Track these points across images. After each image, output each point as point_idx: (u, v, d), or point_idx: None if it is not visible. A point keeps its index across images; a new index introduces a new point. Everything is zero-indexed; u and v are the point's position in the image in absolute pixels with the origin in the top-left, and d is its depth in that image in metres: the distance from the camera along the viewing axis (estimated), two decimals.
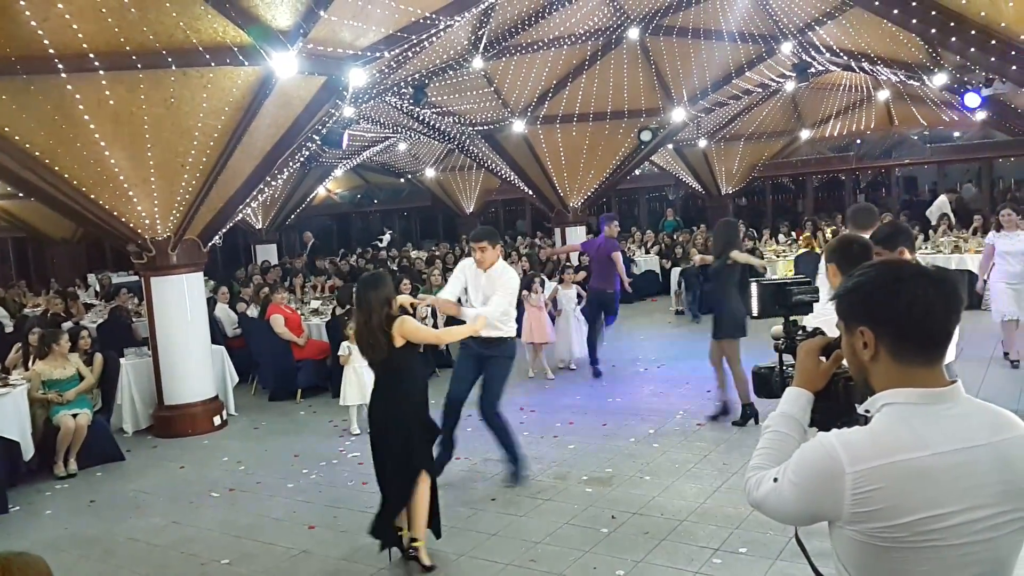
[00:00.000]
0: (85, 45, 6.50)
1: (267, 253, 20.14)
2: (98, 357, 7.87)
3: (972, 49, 7.07)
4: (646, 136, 13.91)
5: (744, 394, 7.01)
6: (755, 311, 2.39)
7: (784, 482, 1.65)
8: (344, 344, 7.95)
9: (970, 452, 1.54)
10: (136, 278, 10.93)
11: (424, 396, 4.96)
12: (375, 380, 4.85)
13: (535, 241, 18.93)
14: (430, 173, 22.04)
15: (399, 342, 4.62)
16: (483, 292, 5.86)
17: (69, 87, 6.76)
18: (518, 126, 13.57)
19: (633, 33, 11.81)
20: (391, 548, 4.80)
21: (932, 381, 1.61)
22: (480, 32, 10.62)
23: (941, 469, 1.52)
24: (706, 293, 11.77)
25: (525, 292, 9.64)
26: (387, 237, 24.03)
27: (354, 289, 4.85)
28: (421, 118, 13.66)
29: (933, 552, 1.52)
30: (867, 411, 1.66)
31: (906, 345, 1.61)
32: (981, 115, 13.61)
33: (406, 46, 8.30)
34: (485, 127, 13.87)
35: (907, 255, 4.11)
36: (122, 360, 8.47)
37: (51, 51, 6.44)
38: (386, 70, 9.46)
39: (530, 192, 15.49)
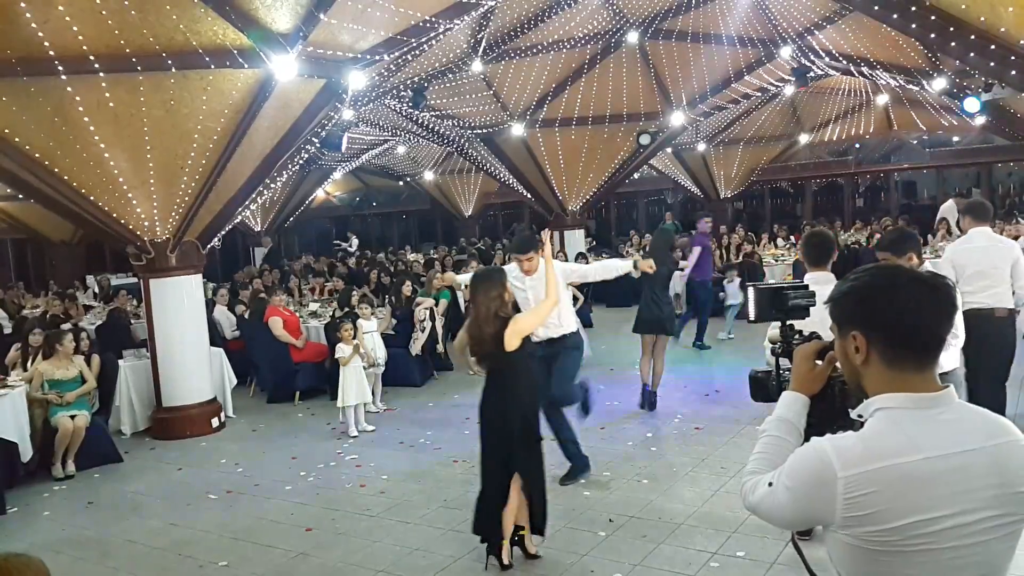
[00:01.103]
0: (85, 47, 6.51)
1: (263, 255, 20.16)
2: (95, 359, 7.87)
3: (972, 54, 7.08)
4: (645, 139, 13.92)
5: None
6: (752, 315, 2.40)
7: (779, 486, 1.67)
8: (340, 345, 7.96)
9: (962, 456, 1.54)
10: (135, 280, 10.93)
11: (534, 398, 4.87)
12: (486, 377, 4.78)
13: None
14: (429, 176, 22.06)
15: (512, 344, 4.52)
16: (534, 297, 5.82)
17: (69, 89, 6.76)
18: (517, 129, 13.57)
19: (632, 37, 11.82)
20: (493, 551, 4.67)
21: (924, 386, 1.61)
22: (479, 35, 10.63)
23: (933, 473, 1.53)
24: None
25: None
26: (355, 242, 23.02)
27: (471, 284, 4.78)
28: (420, 121, 13.67)
29: (925, 556, 1.53)
30: (860, 416, 1.66)
31: (898, 351, 1.61)
32: (980, 120, 13.62)
33: (406, 49, 8.31)
34: (484, 130, 13.88)
35: (915, 261, 4.07)
36: (120, 362, 8.47)
37: (51, 53, 6.45)
38: (385, 73, 9.46)
39: (529, 195, 15.49)
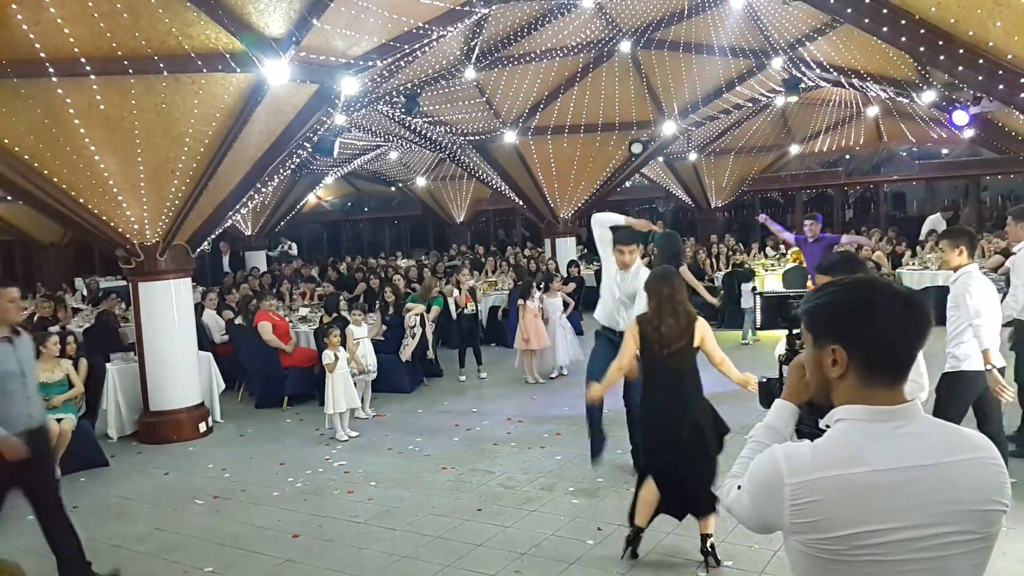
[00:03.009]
0: (77, 50, 6.49)
1: (256, 260, 20.09)
2: (83, 363, 7.81)
3: (960, 67, 7.14)
4: (637, 148, 13.98)
5: None
6: (758, 322, 2.43)
7: (743, 490, 1.72)
8: (328, 352, 7.94)
9: (915, 471, 1.55)
10: (124, 283, 10.87)
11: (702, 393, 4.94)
12: (657, 378, 4.73)
13: (524, 251, 18.95)
14: (421, 182, 22.05)
15: (698, 340, 4.68)
16: (625, 291, 6.12)
17: (60, 91, 6.74)
18: (509, 136, 13.61)
19: (625, 46, 11.88)
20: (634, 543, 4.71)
21: (891, 399, 1.63)
22: (473, 43, 10.66)
23: (879, 486, 1.54)
24: None
25: (520, 301, 10.13)
26: (292, 248, 21.85)
27: (652, 280, 4.84)
28: (413, 127, 13.68)
29: (875, 567, 1.55)
30: (827, 426, 1.69)
31: (874, 368, 1.63)
32: (969, 133, 13.73)
33: (399, 56, 8.32)
34: (477, 137, 13.91)
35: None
36: (108, 365, 8.42)
37: (42, 55, 6.43)
38: (378, 79, 9.48)
39: (521, 202, 15.52)
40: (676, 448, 4.61)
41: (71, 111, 6.88)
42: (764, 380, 2.33)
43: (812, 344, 1.72)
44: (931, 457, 1.57)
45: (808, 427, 1.90)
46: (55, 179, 7.33)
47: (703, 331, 4.72)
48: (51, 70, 6.54)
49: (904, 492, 1.54)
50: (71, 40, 6.42)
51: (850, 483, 1.54)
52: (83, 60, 6.56)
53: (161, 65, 6.79)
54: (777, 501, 1.59)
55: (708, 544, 4.60)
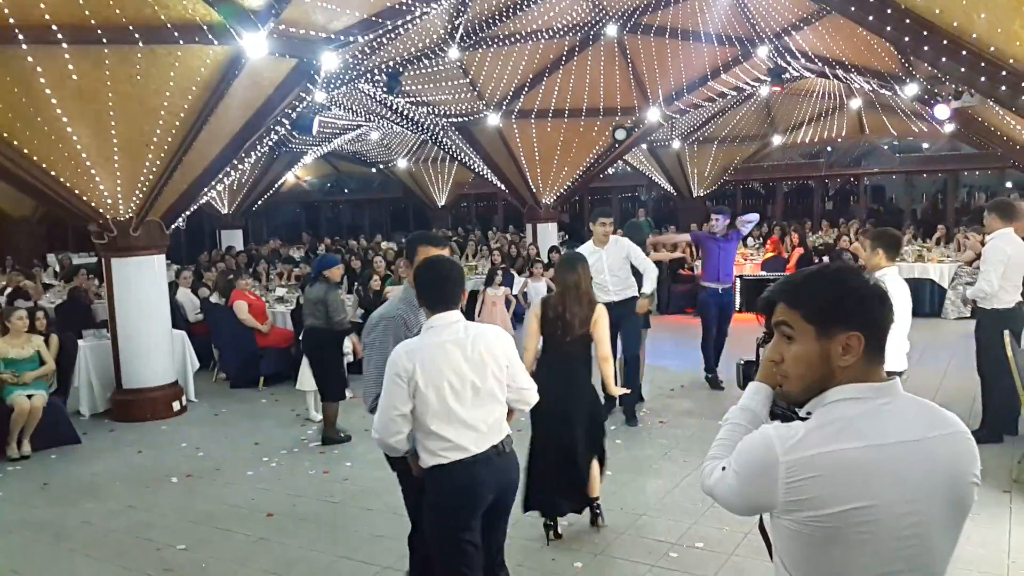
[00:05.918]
0: (48, 17, 6.31)
1: (232, 238, 19.90)
2: (53, 338, 7.68)
3: (943, 59, 7.15)
4: (620, 135, 13.91)
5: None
6: (737, 305, 2.41)
7: (729, 471, 1.70)
8: None
9: (903, 447, 1.57)
10: (98, 259, 10.71)
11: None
12: (558, 362, 4.81)
13: (506, 235, 18.89)
14: (402, 164, 21.89)
15: (591, 325, 4.80)
16: (608, 265, 7.05)
17: (30, 59, 6.57)
18: (493, 119, 13.49)
19: (611, 30, 11.79)
20: (553, 526, 4.84)
21: (881, 376, 1.65)
22: (457, 21, 10.53)
23: (874, 461, 1.55)
24: None
25: (482, 288, 10.14)
26: None
27: (559, 265, 5.01)
28: (394, 107, 13.52)
29: (867, 545, 1.55)
30: (808, 413, 1.67)
31: (879, 348, 1.65)
32: (950, 127, 13.82)
33: (381, 32, 8.21)
34: (459, 119, 13.78)
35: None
36: (80, 342, 8.29)
37: (11, 21, 6.25)
38: (360, 55, 9.34)
39: (503, 187, 15.43)
40: (561, 444, 4.75)
41: (42, 80, 6.71)
42: (742, 362, 2.32)
43: (819, 336, 1.64)
44: (916, 432, 1.59)
45: (781, 409, 1.88)
46: (26, 151, 7.16)
47: (599, 316, 4.83)
48: (20, 37, 6.36)
49: (895, 468, 1.55)
50: (42, 6, 6.24)
51: (846, 459, 1.54)
52: (55, 28, 6.38)
53: (136, 35, 6.62)
54: (771, 480, 1.58)
55: (595, 505, 4.93)
